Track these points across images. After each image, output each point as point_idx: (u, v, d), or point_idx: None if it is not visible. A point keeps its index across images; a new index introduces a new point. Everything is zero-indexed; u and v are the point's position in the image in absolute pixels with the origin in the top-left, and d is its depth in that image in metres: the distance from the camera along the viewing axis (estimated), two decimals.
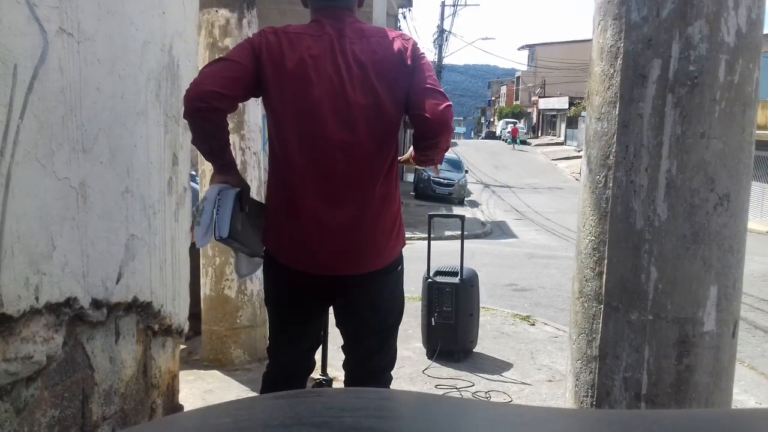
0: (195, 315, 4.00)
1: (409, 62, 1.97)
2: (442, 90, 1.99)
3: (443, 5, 34.10)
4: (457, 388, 3.93)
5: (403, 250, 2.16)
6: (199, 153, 2.21)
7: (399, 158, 2.17)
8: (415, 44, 2.04)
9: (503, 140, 47.39)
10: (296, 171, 1.97)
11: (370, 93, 1.94)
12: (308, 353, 2.28)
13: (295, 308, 2.16)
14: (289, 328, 2.20)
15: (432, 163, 2.15)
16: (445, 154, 2.16)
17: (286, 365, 2.24)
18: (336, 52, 1.95)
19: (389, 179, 2.03)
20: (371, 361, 2.20)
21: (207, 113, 1.89)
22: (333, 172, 1.95)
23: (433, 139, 1.98)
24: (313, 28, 2.02)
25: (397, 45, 1.99)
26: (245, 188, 2.10)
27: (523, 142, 45.08)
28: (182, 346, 3.35)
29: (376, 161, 1.99)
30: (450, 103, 1.96)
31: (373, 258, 2.03)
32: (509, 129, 47.01)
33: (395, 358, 2.26)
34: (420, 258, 4.96)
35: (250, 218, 2.08)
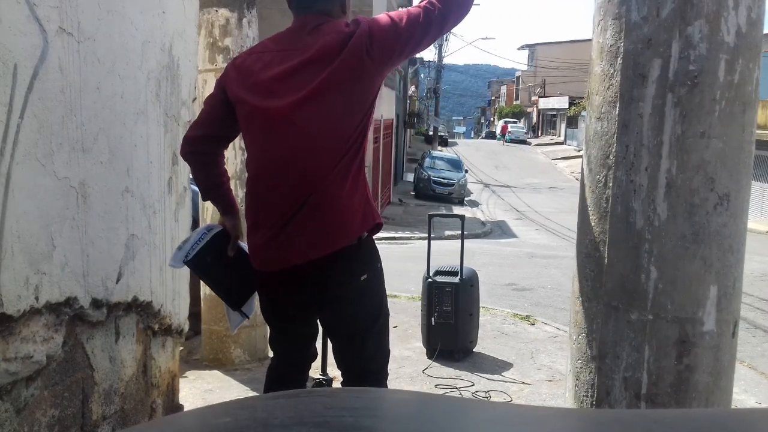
0: (195, 314, 4.00)
1: (363, 49, 1.93)
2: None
3: None
4: (457, 388, 3.93)
5: (374, 260, 2.10)
6: None
7: None
8: (362, 30, 1.95)
9: (506, 140, 48.23)
10: (254, 181, 2.08)
11: (318, 98, 1.94)
12: (306, 345, 2.28)
13: (276, 309, 2.19)
14: (278, 328, 2.24)
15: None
16: None
17: (284, 357, 2.27)
18: (287, 62, 1.98)
19: (342, 172, 1.98)
20: (354, 363, 2.18)
21: (193, 156, 2.16)
22: (290, 173, 1.99)
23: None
24: (276, 40, 2.08)
25: (342, 37, 1.94)
26: (234, 233, 2.23)
27: (523, 142, 45.78)
28: (180, 348, 3.35)
29: (325, 159, 1.96)
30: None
31: (321, 242, 1.99)
32: (508, 128, 48.87)
33: (381, 360, 2.21)
34: (420, 258, 4.96)
35: (232, 260, 2.23)
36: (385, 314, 2.19)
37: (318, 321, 2.23)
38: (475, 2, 2.38)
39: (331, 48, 1.94)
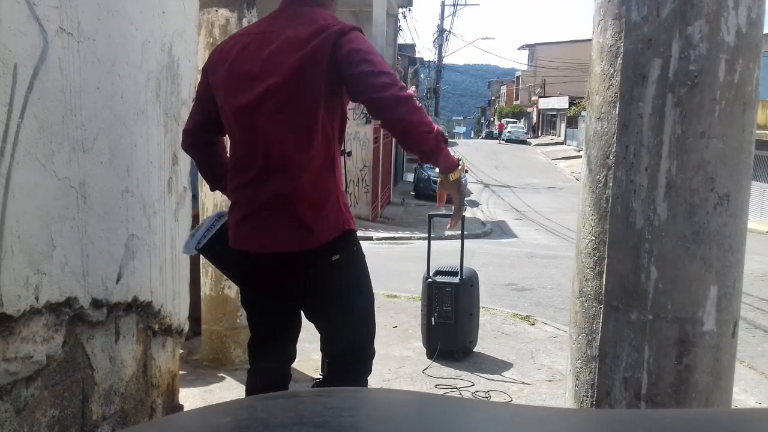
0: (195, 320, 4.00)
1: (327, 52, 1.91)
2: (377, 67, 1.91)
3: (443, 5, 34.12)
4: (457, 388, 3.93)
5: (348, 244, 2.07)
6: None
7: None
8: (341, 30, 1.93)
9: (502, 139, 48.67)
10: (233, 161, 2.10)
11: (283, 85, 1.94)
12: (284, 347, 2.26)
13: (249, 290, 2.20)
14: (255, 319, 2.24)
15: (420, 154, 1.99)
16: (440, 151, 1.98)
17: (261, 362, 2.26)
18: (261, 47, 2.00)
19: (313, 168, 1.98)
20: (335, 345, 2.17)
21: (193, 148, 2.25)
22: (258, 158, 2.01)
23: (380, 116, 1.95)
24: (259, 23, 2.13)
25: (319, 31, 1.93)
26: None
27: (523, 142, 46.09)
28: (180, 349, 3.35)
29: (295, 150, 1.96)
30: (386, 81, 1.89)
31: (288, 238, 2.00)
32: (508, 128, 49.34)
33: (364, 343, 2.18)
34: (420, 257, 4.96)
35: None
36: (366, 298, 2.15)
37: (296, 317, 2.22)
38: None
39: (300, 39, 1.94)
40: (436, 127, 1.92)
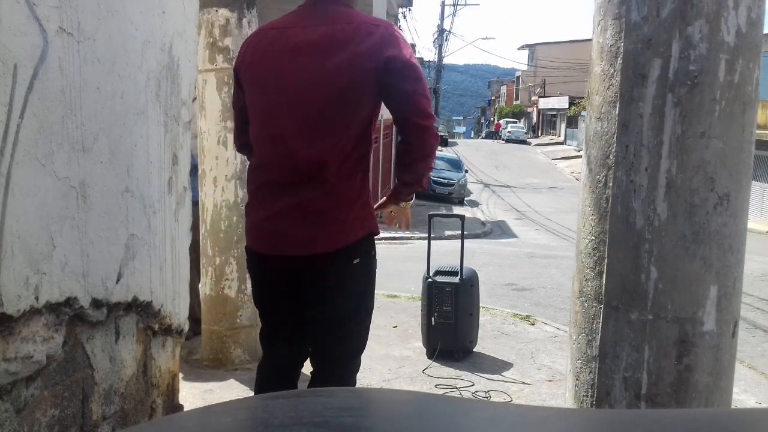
0: (196, 320, 4.00)
1: (383, 57, 1.90)
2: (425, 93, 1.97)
3: (443, 5, 34.12)
4: (457, 388, 3.93)
5: (368, 248, 2.09)
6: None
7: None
8: (389, 37, 1.94)
9: (502, 139, 48.95)
10: (259, 162, 2.11)
11: (319, 84, 1.93)
12: (295, 340, 2.24)
13: (264, 291, 2.20)
14: (267, 316, 2.24)
15: (415, 182, 2.12)
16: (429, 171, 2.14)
17: (274, 353, 2.27)
18: (290, 44, 1.98)
19: (345, 168, 1.98)
20: (329, 347, 2.17)
21: (244, 149, 2.28)
22: (284, 160, 2.00)
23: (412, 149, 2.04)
24: (286, 18, 2.09)
25: (365, 36, 1.92)
26: None
27: (523, 142, 46.28)
28: (180, 349, 3.35)
29: (328, 155, 1.96)
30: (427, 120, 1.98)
31: (317, 241, 2.00)
32: (508, 128, 49.94)
33: (355, 349, 2.19)
34: (420, 257, 4.96)
35: None
36: (367, 306, 2.16)
37: (300, 320, 2.21)
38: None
39: (340, 39, 1.92)
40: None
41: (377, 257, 2.15)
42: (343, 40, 1.92)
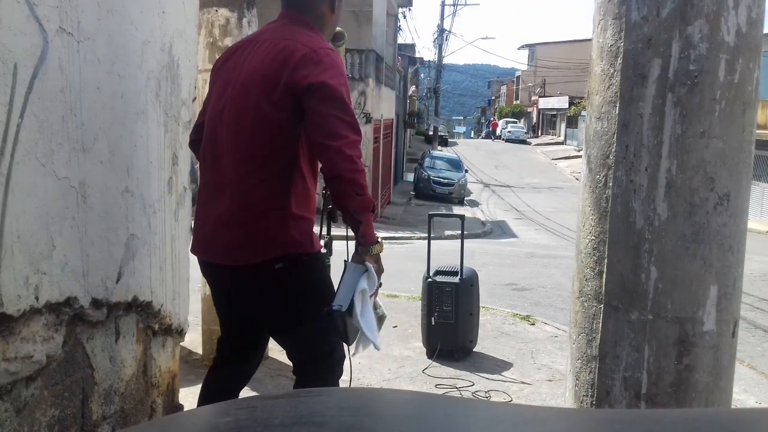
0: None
1: (298, 78, 1.94)
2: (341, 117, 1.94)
3: (443, 5, 34.11)
4: (457, 388, 3.94)
5: (298, 257, 2.06)
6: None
7: None
8: (311, 56, 1.96)
9: (502, 139, 49.13)
10: (202, 171, 2.21)
11: (254, 99, 2.00)
12: (246, 354, 2.32)
13: (214, 296, 2.33)
14: (222, 323, 2.34)
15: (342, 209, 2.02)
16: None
17: (226, 358, 2.34)
18: (246, 60, 2.07)
19: (272, 183, 2.02)
20: (294, 354, 2.23)
21: (193, 144, 2.36)
22: (219, 171, 2.09)
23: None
24: (258, 31, 2.23)
25: (289, 56, 1.97)
26: None
27: (523, 142, 46.48)
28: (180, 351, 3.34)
29: (254, 166, 2.01)
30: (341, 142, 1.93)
31: (233, 253, 2.06)
32: (508, 128, 50.33)
33: (314, 351, 2.17)
34: (420, 257, 4.96)
35: None
36: (311, 312, 2.08)
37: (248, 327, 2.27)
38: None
39: (271, 57, 2.00)
40: (368, 194, 1.99)
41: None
42: (273, 58, 2.00)
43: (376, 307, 2.24)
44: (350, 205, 1.96)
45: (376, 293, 2.14)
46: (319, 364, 2.18)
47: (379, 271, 2.10)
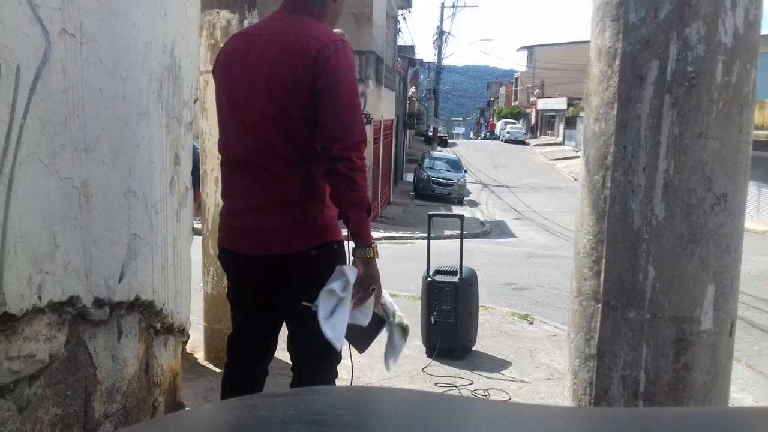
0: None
1: (311, 71, 1.94)
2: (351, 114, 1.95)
3: (442, 6, 34.11)
4: (456, 386, 3.95)
5: (324, 251, 2.06)
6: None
7: None
8: (324, 52, 1.95)
9: (502, 140, 49.22)
10: (224, 161, 2.21)
11: (276, 96, 1.99)
12: (261, 350, 2.29)
13: (231, 289, 2.27)
14: (238, 319, 2.28)
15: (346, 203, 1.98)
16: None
17: (239, 360, 2.29)
18: (253, 53, 2.05)
19: (304, 173, 2.02)
20: (305, 345, 2.18)
21: None
22: (243, 164, 2.09)
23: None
24: (256, 25, 2.21)
25: (305, 51, 1.96)
26: None
27: (522, 142, 46.59)
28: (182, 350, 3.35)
29: (279, 160, 2.02)
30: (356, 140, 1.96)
31: (270, 243, 2.05)
32: (507, 129, 50.50)
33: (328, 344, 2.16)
34: (420, 257, 4.97)
35: None
36: None
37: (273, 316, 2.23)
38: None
39: (284, 49, 1.99)
40: (363, 191, 1.97)
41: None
42: (288, 53, 1.98)
43: (388, 315, 2.20)
44: (341, 201, 1.98)
45: (363, 300, 2.06)
46: (319, 359, 2.18)
47: (366, 277, 2.02)
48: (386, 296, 2.21)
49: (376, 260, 2.05)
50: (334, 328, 1.99)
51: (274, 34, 2.04)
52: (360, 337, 2.16)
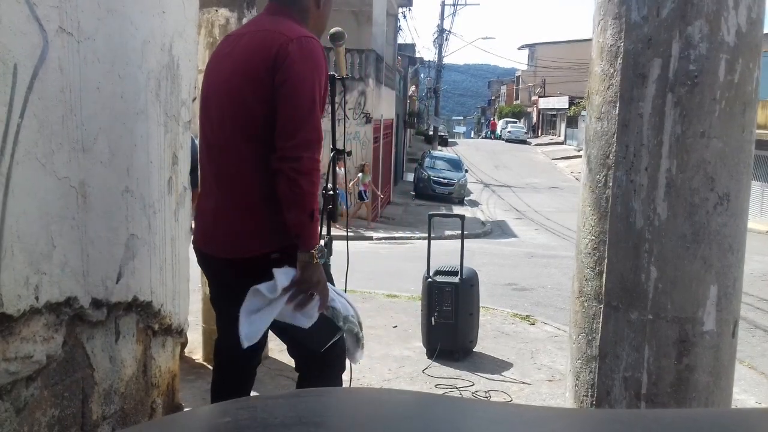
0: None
1: (272, 66, 1.93)
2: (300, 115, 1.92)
3: (443, 5, 34.11)
4: (457, 388, 3.94)
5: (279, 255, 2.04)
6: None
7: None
8: (286, 47, 1.93)
9: (503, 139, 49.32)
10: (201, 165, 2.25)
11: (237, 93, 2.01)
12: (243, 354, 2.23)
13: (210, 292, 2.34)
14: (218, 316, 2.34)
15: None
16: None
17: (228, 335, 2.25)
18: (230, 52, 2.09)
19: (264, 176, 1.98)
20: (293, 350, 2.25)
21: None
22: (214, 165, 2.13)
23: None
24: (243, 26, 2.30)
25: (268, 47, 1.95)
26: None
27: (523, 142, 46.66)
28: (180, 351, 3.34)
29: (239, 159, 2.03)
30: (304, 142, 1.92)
31: (229, 246, 2.07)
32: (508, 128, 50.75)
33: (311, 345, 2.15)
34: (420, 257, 4.96)
35: None
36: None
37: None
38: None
39: (253, 48, 2.00)
40: (306, 192, 1.92)
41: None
42: (253, 50, 2.00)
43: (338, 320, 2.14)
44: (283, 201, 1.94)
45: (305, 303, 2.02)
46: (317, 359, 2.18)
47: (304, 281, 1.97)
48: (340, 301, 2.16)
49: (319, 264, 1.99)
50: (251, 326, 1.99)
51: (251, 33, 2.07)
52: (313, 337, 2.12)
